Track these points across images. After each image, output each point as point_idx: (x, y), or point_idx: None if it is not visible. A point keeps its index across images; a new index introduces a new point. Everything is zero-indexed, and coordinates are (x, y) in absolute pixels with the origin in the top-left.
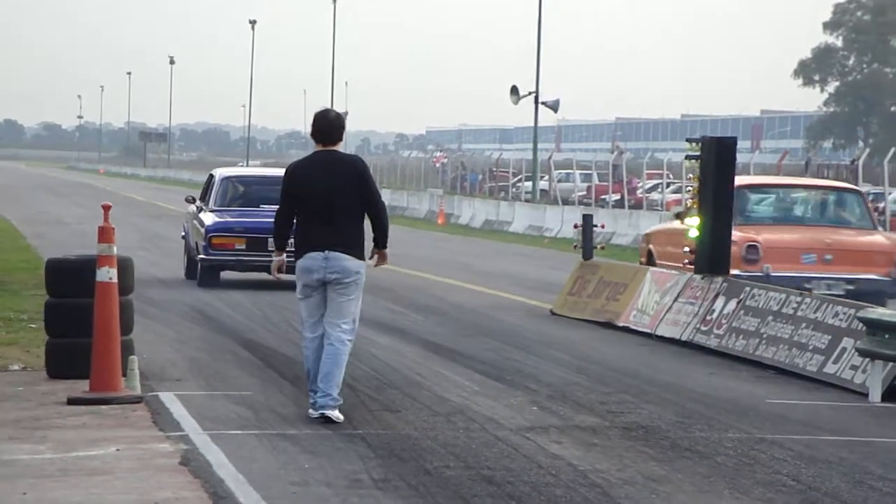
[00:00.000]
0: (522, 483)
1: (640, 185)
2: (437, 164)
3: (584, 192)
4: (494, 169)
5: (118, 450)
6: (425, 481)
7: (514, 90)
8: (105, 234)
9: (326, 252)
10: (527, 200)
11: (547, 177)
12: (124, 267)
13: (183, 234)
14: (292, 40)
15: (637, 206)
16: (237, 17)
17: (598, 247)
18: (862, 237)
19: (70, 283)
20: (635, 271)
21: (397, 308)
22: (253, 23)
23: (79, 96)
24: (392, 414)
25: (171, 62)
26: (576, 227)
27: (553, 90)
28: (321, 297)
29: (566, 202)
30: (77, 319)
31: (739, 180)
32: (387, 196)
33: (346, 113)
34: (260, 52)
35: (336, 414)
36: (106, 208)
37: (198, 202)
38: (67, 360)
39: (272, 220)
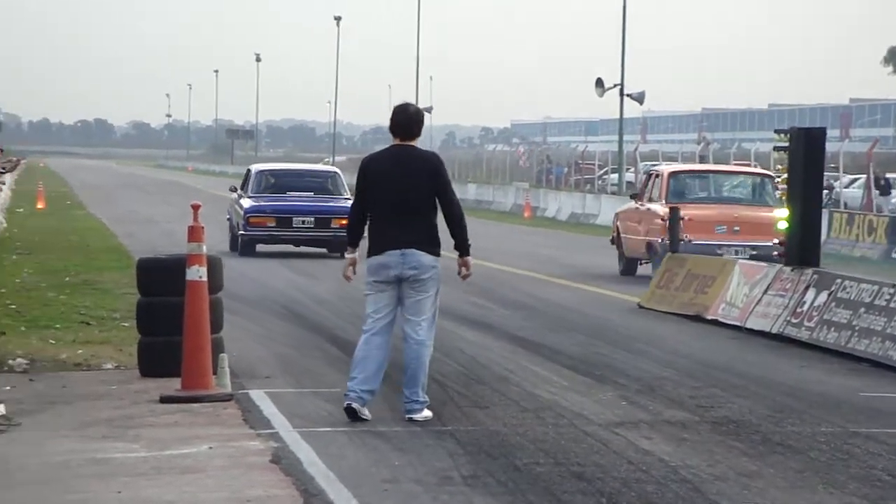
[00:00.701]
0: (612, 479)
1: None
2: (521, 161)
3: None
4: (580, 161)
5: (210, 448)
6: (515, 478)
7: (600, 82)
8: (195, 234)
9: (403, 249)
10: (613, 193)
11: (633, 169)
12: (213, 265)
13: (227, 216)
14: (377, 35)
15: None
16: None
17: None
18: (765, 212)
19: (161, 283)
20: (723, 263)
21: (484, 303)
22: (338, 19)
23: (167, 95)
24: (481, 410)
25: (258, 59)
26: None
27: (638, 81)
28: (392, 295)
29: None
30: (168, 318)
31: (671, 167)
32: (472, 190)
33: (431, 108)
34: (345, 47)
35: (424, 415)
36: (195, 207)
37: (238, 191)
38: (159, 358)
39: (296, 202)
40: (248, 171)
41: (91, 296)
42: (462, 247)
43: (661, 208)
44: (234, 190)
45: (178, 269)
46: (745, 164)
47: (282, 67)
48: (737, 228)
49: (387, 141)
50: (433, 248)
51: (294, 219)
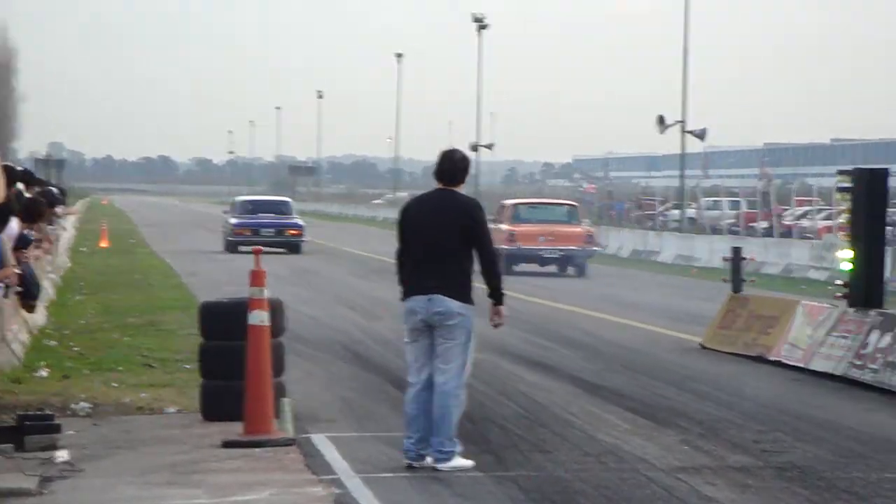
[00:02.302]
0: None
1: (789, 212)
2: (589, 192)
3: (733, 220)
4: (641, 197)
5: (272, 494)
6: None
7: (661, 120)
8: (256, 278)
9: (430, 294)
10: (675, 229)
11: (695, 205)
12: (276, 309)
13: (222, 229)
14: (438, 72)
15: (787, 233)
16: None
17: (748, 280)
18: (569, 228)
19: (223, 326)
20: (786, 304)
21: (545, 342)
22: (399, 56)
23: (229, 132)
24: (543, 454)
25: (320, 96)
26: (725, 259)
27: (700, 116)
28: (427, 343)
29: (715, 230)
30: (230, 362)
31: (513, 201)
32: None
33: (493, 144)
34: (406, 84)
35: (452, 464)
36: (257, 252)
37: (228, 212)
38: (221, 402)
39: (263, 220)
40: (234, 200)
41: (154, 337)
42: (494, 295)
43: (506, 227)
44: (225, 213)
45: (240, 313)
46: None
47: (343, 104)
48: (551, 238)
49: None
50: (462, 294)
51: (261, 230)
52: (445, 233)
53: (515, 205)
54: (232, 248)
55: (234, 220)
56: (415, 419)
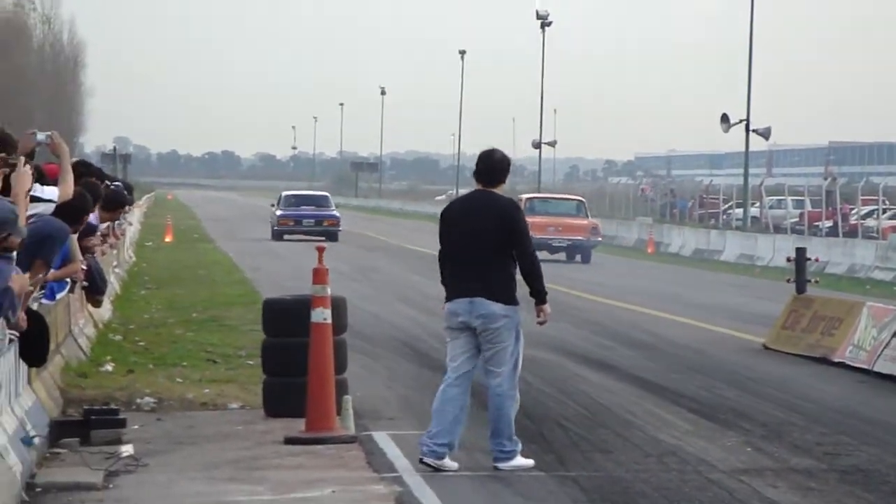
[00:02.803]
0: None
1: (854, 211)
2: (646, 193)
3: (797, 219)
4: (704, 196)
5: (334, 492)
6: None
7: (725, 118)
8: (319, 276)
9: (472, 298)
10: (737, 228)
11: (758, 203)
12: (338, 306)
13: (270, 220)
14: (501, 68)
15: (851, 233)
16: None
17: (812, 280)
18: (577, 220)
19: (286, 323)
20: (851, 306)
21: (607, 342)
22: (462, 53)
23: (293, 127)
24: (603, 455)
25: (383, 93)
26: (789, 260)
27: (764, 113)
28: (468, 341)
29: (778, 230)
30: (293, 358)
31: (528, 195)
32: None
33: (555, 141)
34: (469, 80)
35: (512, 464)
36: (320, 250)
37: (275, 205)
38: (284, 398)
39: (304, 212)
40: (280, 195)
41: (217, 333)
42: (534, 295)
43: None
44: (272, 205)
45: (303, 310)
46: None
47: (406, 100)
48: (560, 229)
49: (510, 173)
50: (505, 296)
51: (304, 220)
52: (484, 234)
53: (530, 198)
54: (278, 236)
55: (279, 212)
56: (437, 413)
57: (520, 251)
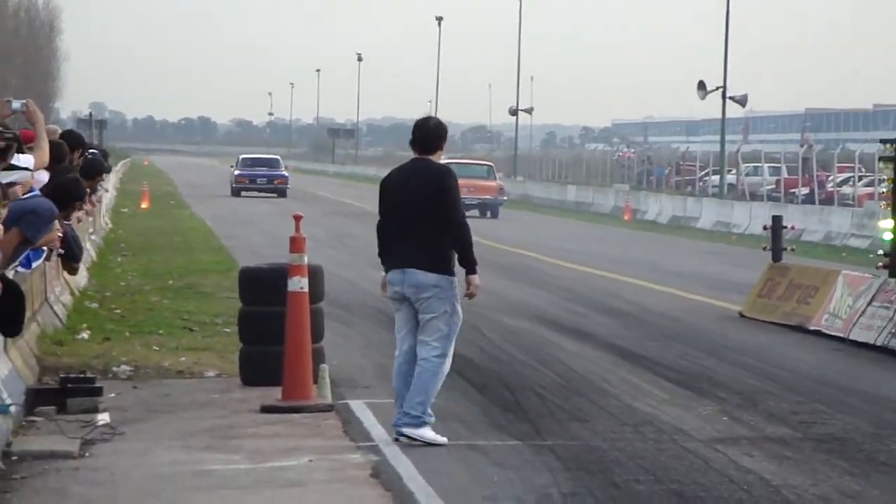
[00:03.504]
0: (713, 499)
1: (830, 178)
2: (628, 157)
3: (773, 186)
4: (681, 163)
5: (311, 461)
6: (615, 496)
7: (702, 85)
8: (296, 245)
9: (404, 268)
10: (714, 195)
11: (734, 171)
12: (315, 275)
13: (230, 179)
14: (478, 34)
15: (828, 200)
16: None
17: (788, 248)
18: (486, 182)
19: (262, 292)
20: (827, 274)
21: (583, 310)
22: (440, 19)
23: (269, 93)
24: (580, 424)
25: (359, 59)
26: (765, 228)
27: (741, 80)
28: (408, 313)
29: (754, 196)
30: (269, 327)
31: (445, 160)
32: (572, 192)
33: (532, 108)
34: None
35: (418, 432)
36: (297, 218)
37: (233, 166)
38: (260, 367)
39: (258, 172)
40: (238, 157)
41: (194, 300)
42: (463, 265)
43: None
44: (231, 167)
45: (279, 278)
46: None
47: (383, 66)
48: (472, 189)
49: (486, 139)
50: (437, 266)
51: (257, 179)
52: (417, 203)
53: (447, 163)
54: (236, 193)
55: (237, 172)
56: (399, 395)
57: (448, 217)
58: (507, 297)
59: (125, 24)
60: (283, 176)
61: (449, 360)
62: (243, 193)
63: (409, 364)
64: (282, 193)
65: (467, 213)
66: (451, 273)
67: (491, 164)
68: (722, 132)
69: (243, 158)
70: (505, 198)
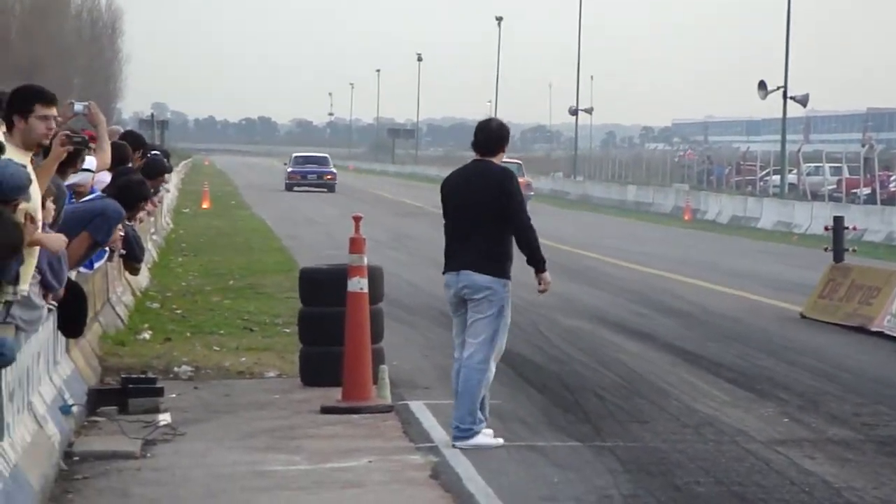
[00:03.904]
0: (775, 501)
1: (892, 178)
2: (690, 158)
3: (834, 186)
4: (741, 162)
5: (370, 462)
6: (675, 497)
7: (762, 85)
8: (356, 245)
9: (459, 270)
10: (775, 195)
11: (795, 170)
12: (374, 276)
13: (284, 175)
14: (538, 34)
15: (889, 200)
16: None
17: (850, 249)
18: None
19: (322, 293)
20: (889, 275)
21: (643, 310)
22: (500, 19)
23: (330, 94)
24: (640, 425)
25: (419, 59)
26: (826, 229)
27: (802, 80)
28: (466, 318)
29: (815, 196)
30: (329, 328)
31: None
32: (632, 192)
33: (592, 108)
34: (506, 47)
35: (472, 442)
36: (357, 219)
37: (286, 164)
38: (320, 367)
39: (308, 169)
40: (291, 156)
41: (254, 300)
42: (531, 263)
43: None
44: (284, 164)
45: (339, 279)
46: None
47: (443, 66)
48: None
49: (546, 139)
50: (491, 267)
51: (308, 175)
52: (476, 204)
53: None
54: (289, 188)
55: (290, 169)
56: (455, 395)
57: (511, 220)
58: (567, 297)
59: (187, 24)
60: (332, 172)
61: (493, 366)
62: (295, 188)
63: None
64: (331, 188)
65: None
66: (505, 276)
67: (519, 161)
68: (783, 132)
69: (295, 157)
70: (532, 193)
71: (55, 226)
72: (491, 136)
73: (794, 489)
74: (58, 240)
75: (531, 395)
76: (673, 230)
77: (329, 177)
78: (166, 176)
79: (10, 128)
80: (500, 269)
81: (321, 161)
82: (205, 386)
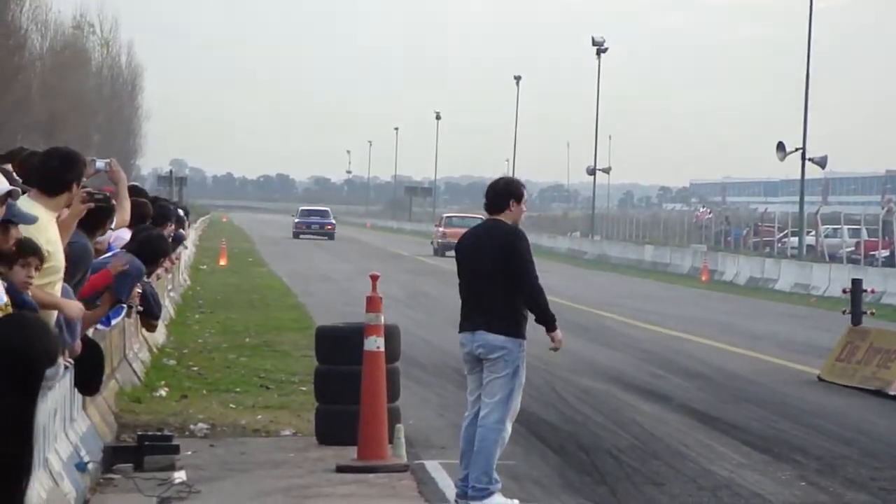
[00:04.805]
0: None
1: None
2: (706, 218)
3: (853, 249)
4: (759, 223)
5: None
6: None
7: (781, 146)
8: (373, 304)
9: (474, 330)
10: (793, 256)
11: (814, 232)
12: (391, 335)
13: (291, 225)
14: (556, 94)
15: None
16: (502, 73)
17: (868, 312)
18: None
19: (339, 351)
20: None
21: (660, 371)
22: (518, 78)
23: (348, 151)
24: (656, 487)
25: (437, 118)
26: (845, 291)
27: (820, 140)
28: (481, 376)
29: (834, 259)
30: (345, 386)
31: (447, 214)
32: (649, 252)
33: (609, 168)
34: (524, 106)
35: (487, 502)
36: (374, 278)
37: (294, 216)
38: (336, 426)
39: (312, 220)
40: (298, 209)
41: (270, 358)
42: (542, 323)
43: (441, 229)
44: (292, 216)
45: (356, 338)
46: None
47: (461, 125)
48: None
49: (564, 199)
50: (506, 327)
51: (312, 225)
52: (487, 264)
53: (448, 216)
54: (296, 235)
55: (296, 220)
56: (464, 455)
57: (520, 279)
58: (583, 357)
59: (206, 82)
60: (332, 223)
61: (509, 426)
62: (301, 236)
63: (475, 426)
64: (330, 237)
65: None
66: (520, 335)
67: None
68: (801, 193)
69: (301, 210)
70: None
71: (80, 285)
72: (498, 193)
73: None
74: (75, 307)
75: (546, 456)
76: (690, 291)
77: (329, 226)
78: (172, 225)
79: (57, 192)
80: (514, 328)
81: (323, 214)
82: (221, 444)
